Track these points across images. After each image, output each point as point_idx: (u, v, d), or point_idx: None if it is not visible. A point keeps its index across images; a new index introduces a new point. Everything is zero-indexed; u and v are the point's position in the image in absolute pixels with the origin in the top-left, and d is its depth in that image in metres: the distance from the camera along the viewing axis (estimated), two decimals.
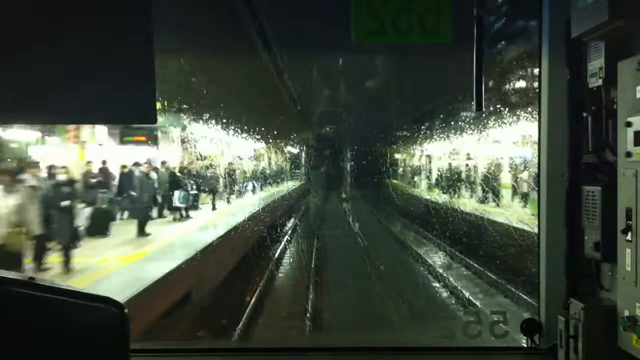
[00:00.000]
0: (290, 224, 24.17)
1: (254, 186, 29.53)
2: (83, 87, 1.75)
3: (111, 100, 1.77)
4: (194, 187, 21.54)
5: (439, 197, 25.93)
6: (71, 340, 1.64)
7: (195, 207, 21.40)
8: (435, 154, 31.75)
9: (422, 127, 29.96)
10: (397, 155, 37.10)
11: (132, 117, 1.99)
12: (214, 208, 22.70)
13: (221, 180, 24.40)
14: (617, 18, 2.27)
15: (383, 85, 29.10)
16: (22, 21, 1.71)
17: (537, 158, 3.00)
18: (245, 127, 24.91)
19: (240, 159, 29.90)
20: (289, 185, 32.33)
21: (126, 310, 1.71)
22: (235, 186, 26.57)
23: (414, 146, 34.23)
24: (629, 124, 2.36)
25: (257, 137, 28.10)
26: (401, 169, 37.14)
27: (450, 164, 29.40)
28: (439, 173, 30.03)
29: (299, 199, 30.79)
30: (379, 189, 28.50)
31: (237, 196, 26.10)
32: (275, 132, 29.08)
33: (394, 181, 33.93)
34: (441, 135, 29.10)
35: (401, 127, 31.97)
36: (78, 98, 1.76)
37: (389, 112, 30.81)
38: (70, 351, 1.63)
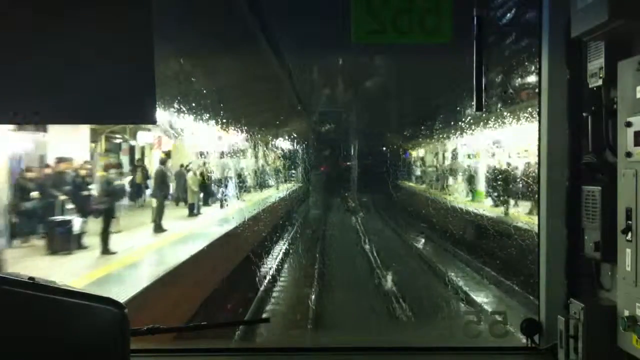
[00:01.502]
0: (265, 272, 14.10)
1: (226, 194, 22.75)
2: (83, 87, 1.75)
3: (111, 100, 1.77)
4: (67, 207, 12.85)
5: (499, 210, 17.74)
6: (71, 340, 1.64)
7: (69, 250, 12.21)
8: (475, 150, 23.44)
9: (450, 119, 22.26)
10: (414, 154, 30.82)
11: (132, 117, 2.00)
12: (104, 250, 12.26)
13: (169, 189, 18.34)
14: (617, 18, 2.27)
15: (394, 77, 24.36)
16: (22, 21, 1.71)
17: (537, 158, 3.00)
18: (217, 115, 19.27)
19: (204, 156, 23.41)
20: (281, 190, 24.46)
21: (126, 310, 1.71)
22: (193, 197, 19.96)
23: (440, 141, 26.52)
24: (629, 124, 2.36)
25: (237, 130, 21.69)
26: (419, 170, 30.28)
27: (499, 161, 21.21)
28: (491, 175, 21.05)
29: (291, 211, 22.70)
30: (395, 196, 22.33)
31: (192, 213, 19.33)
32: (264, 126, 23.95)
33: (409, 184, 27.79)
34: (483, 126, 21.21)
35: (419, 122, 25.66)
36: (78, 98, 1.76)
37: (401, 107, 25.86)
38: (70, 351, 1.63)
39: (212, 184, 22.92)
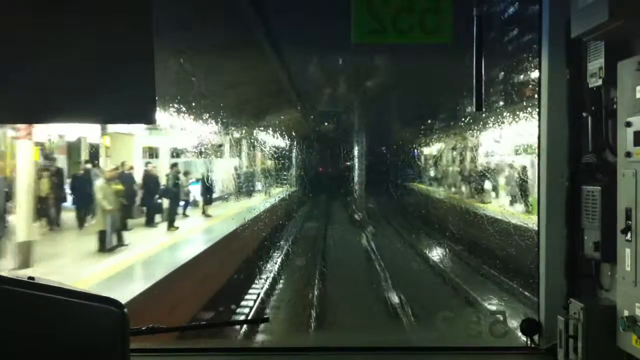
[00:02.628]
0: None
1: (193, 205, 17.58)
2: (83, 87, 1.75)
3: (111, 100, 1.77)
4: None
5: None
6: (71, 340, 1.65)
7: None
8: (523, 144, 17.90)
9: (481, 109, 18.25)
10: (428, 153, 25.57)
11: (132, 117, 1.99)
12: None
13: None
14: (617, 18, 2.27)
15: (401, 73, 21.47)
16: (22, 21, 1.71)
17: (537, 158, 3.00)
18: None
19: (151, 155, 19.06)
20: (268, 198, 18.67)
21: (126, 310, 1.71)
22: (104, 219, 12.88)
23: (469, 135, 21.10)
24: (628, 124, 2.36)
25: (216, 124, 17.54)
26: (432, 171, 24.66)
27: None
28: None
29: (276, 231, 15.99)
30: (411, 204, 17.53)
31: (102, 246, 12.53)
32: (251, 122, 20.17)
33: (427, 188, 21.80)
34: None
35: (435, 117, 22.14)
36: (78, 98, 1.76)
37: (413, 103, 22.46)
38: (70, 351, 1.64)
39: (168, 194, 16.39)
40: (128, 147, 18.53)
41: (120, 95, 1.77)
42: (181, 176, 17.51)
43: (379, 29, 2.80)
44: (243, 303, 11.42)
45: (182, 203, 17.46)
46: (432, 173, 24.31)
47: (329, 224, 19.50)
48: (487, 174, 19.69)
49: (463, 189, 21.48)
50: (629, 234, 2.37)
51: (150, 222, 16.07)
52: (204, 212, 17.51)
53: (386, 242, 16.17)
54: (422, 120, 22.29)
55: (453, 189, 22.33)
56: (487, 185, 19.23)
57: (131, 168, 16.84)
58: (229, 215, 14.95)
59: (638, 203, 2.33)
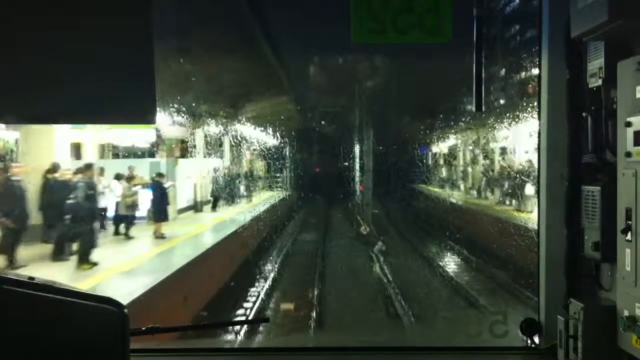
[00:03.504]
0: None
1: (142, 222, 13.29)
2: (83, 87, 1.75)
3: (111, 100, 1.77)
4: None
5: None
6: (71, 340, 1.65)
7: None
8: None
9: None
10: (448, 152, 21.94)
11: (132, 117, 2.00)
12: None
13: None
14: (616, 18, 2.27)
15: (411, 68, 17.65)
16: (22, 21, 1.71)
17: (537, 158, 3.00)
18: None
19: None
20: (246, 210, 14.73)
21: (126, 310, 1.71)
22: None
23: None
24: (628, 124, 2.36)
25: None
26: (456, 174, 21.19)
27: None
28: None
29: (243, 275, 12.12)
30: (435, 214, 14.35)
31: None
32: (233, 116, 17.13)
33: (452, 193, 18.85)
34: None
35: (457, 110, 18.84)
36: (78, 98, 1.76)
37: (426, 99, 19.35)
38: (70, 351, 1.64)
39: (80, 210, 11.19)
40: (46, 143, 13.27)
41: (120, 96, 1.77)
42: (123, 182, 13.71)
43: (379, 29, 2.80)
44: None
45: (136, 218, 13.66)
46: (456, 176, 21.04)
47: (328, 237, 15.72)
48: (526, 176, 16.31)
49: (490, 194, 18.95)
50: (629, 234, 2.38)
51: (59, 254, 11.19)
52: (155, 232, 13.33)
53: (408, 268, 12.43)
54: (444, 116, 19.52)
55: (474, 193, 19.89)
56: (529, 190, 15.88)
57: (52, 171, 12.18)
58: (192, 234, 11.32)
59: (638, 203, 2.33)
